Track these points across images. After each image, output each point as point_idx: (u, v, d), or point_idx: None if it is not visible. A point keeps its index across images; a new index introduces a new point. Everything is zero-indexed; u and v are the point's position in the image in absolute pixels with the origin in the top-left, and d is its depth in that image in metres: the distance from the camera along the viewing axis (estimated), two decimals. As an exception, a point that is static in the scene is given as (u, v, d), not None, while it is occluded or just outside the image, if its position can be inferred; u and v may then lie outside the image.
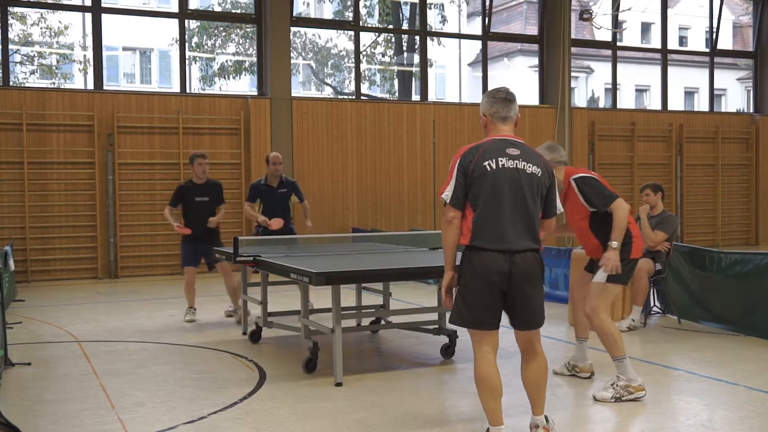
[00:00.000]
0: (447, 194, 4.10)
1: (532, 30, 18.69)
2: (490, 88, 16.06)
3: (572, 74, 17.49)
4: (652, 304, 8.46)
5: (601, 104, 30.62)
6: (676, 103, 27.97)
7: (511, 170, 4.07)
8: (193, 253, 8.65)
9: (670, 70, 18.18)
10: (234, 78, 21.09)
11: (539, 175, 4.13)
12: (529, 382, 4.24)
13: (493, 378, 4.05)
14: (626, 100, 29.79)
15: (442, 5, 22.59)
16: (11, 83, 13.86)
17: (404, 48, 19.73)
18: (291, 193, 9.15)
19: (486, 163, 4.08)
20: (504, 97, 4.34)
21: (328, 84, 24.77)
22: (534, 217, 4.09)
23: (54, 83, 20.67)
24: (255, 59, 14.44)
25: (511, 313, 4.13)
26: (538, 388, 4.23)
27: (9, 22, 13.59)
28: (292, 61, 15.28)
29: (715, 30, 18.38)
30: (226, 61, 21.30)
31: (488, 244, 4.01)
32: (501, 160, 4.10)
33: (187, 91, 14.27)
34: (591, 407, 5.08)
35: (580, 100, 30.84)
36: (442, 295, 4.29)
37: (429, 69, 15.89)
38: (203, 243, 8.56)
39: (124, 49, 25.36)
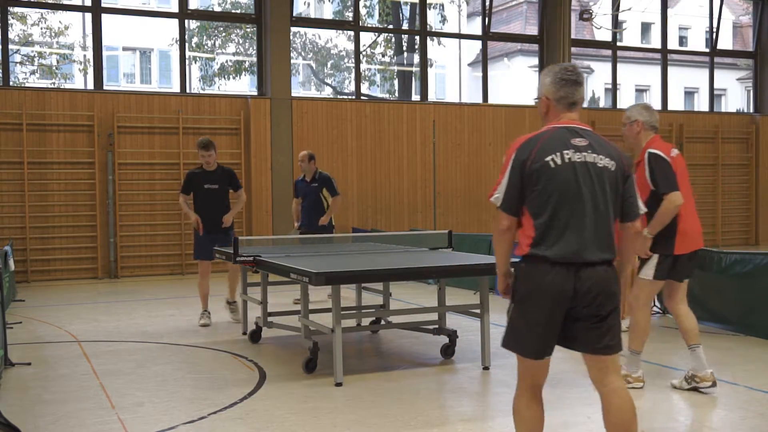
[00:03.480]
0: (497, 197, 3.43)
1: (532, 30, 18.69)
2: (490, 88, 16.19)
3: (572, 74, 17.46)
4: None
5: (601, 104, 30.62)
6: (676, 103, 27.98)
7: (579, 165, 3.35)
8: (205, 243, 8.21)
9: (670, 70, 18.18)
10: (234, 78, 21.11)
11: (612, 169, 3.41)
12: (611, 427, 3.43)
13: (534, 418, 3.48)
14: (626, 100, 29.75)
15: (442, 5, 22.60)
16: (11, 83, 13.86)
17: (404, 48, 19.74)
18: (322, 188, 9.43)
19: (549, 158, 3.35)
20: (575, 79, 3.50)
21: (328, 84, 24.77)
22: (609, 222, 3.39)
23: (54, 83, 20.68)
24: (255, 59, 14.44)
25: (579, 337, 3.40)
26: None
27: (9, 22, 13.59)
28: (292, 61, 15.28)
29: (715, 30, 18.38)
30: (226, 61, 21.31)
31: (551, 256, 3.32)
32: (567, 154, 3.36)
33: (187, 91, 14.27)
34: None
35: (580, 100, 30.80)
36: (501, 287, 3.65)
37: (429, 69, 15.89)
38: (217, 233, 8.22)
39: (124, 49, 25.36)
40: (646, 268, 5.33)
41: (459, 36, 26.59)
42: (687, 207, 5.22)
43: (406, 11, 19.28)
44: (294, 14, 15.49)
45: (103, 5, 13.16)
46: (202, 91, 20.41)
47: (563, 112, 3.52)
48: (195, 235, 8.46)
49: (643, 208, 3.57)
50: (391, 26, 19.79)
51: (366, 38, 19.48)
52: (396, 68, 20.74)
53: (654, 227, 5.14)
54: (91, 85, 13.73)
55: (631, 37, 29.14)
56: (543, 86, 3.56)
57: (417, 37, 16.61)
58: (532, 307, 3.37)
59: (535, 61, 17.35)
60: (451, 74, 29.71)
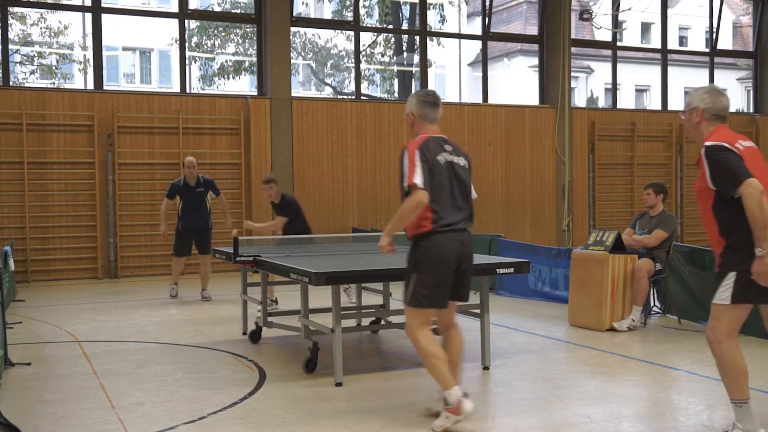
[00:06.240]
0: (419, 180, 4.49)
1: (532, 30, 18.69)
2: (490, 88, 16.20)
3: (572, 74, 17.49)
4: (652, 304, 8.46)
5: (601, 104, 30.62)
6: (676, 103, 27.87)
7: (453, 163, 4.70)
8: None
9: (670, 70, 18.18)
10: (234, 78, 21.11)
11: (467, 167, 4.83)
12: (453, 354, 4.81)
13: (441, 351, 4.62)
14: (626, 100, 29.80)
15: (442, 5, 22.60)
16: (11, 83, 13.86)
17: (404, 48, 19.74)
18: (208, 191, 10.23)
19: (438, 157, 4.63)
20: (433, 101, 4.86)
21: (328, 84, 24.78)
22: (471, 203, 4.83)
23: (54, 83, 20.68)
24: (255, 59, 14.44)
25: (456, 287, 4.75)
26: (460, 358, 4.90)
27: (9, 22, 13.58)
28: (292, 61, 15.28)
29: (715, 30, 18.38)
30: (226, 61, 21.32)
31: (448, 227, 4.59)
32: (444, 155, 4.67)
33: (187, 91, 14.27)
34: (595, 407, 5.08)
35: (580, 100, 30.84)
36: (385, 243, 4.81)
37: (429, 69, 15.89)
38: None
39: (124, 49, 25.37)
40: (722, 290, 4.24)
41: (459, 36, 26.58)
42: None
43: (405, 11, 19.28)
44: (294, 14, 15.50)
45: (103, 5, 13.15)
46: (202, 91, 20.41)
47: (427, 125, 4.79)
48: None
49: (474, 194, 4.88)
50: (390, 26, 19.79)
51: (366, 38, 19.48)
52: (396, 68, 20.74)
53: (762, 238, 3.98)
54: (91, 85, 13.72)
55: (631, 37, 29.13)
56: (410, 105, 4.85)
57: (417, 37, 16.61)
58: (440, 268, 4.59)
59: (535, 61, 17.35)
60: (451, 74, 29.72)
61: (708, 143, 4.22)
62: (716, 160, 4.13)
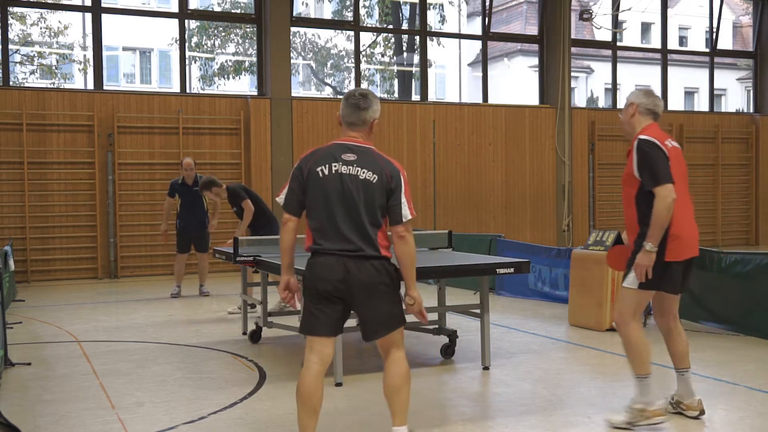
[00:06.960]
0: (280, 198, 4.13)
1: (532, 30, 18.70)
2: (490, 88, 16.20)
3: (572, 74, 17.49)
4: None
5: (601, 104, 30.62)
6: (676, 103, 27.98)
7: (344, 176, 3.95)
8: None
9: (670, 70, 18.18)
10: (234, 78, 21.12)
11: (374, 181, 3.95)
12: (386, 389, 4.13)
13: (309, 390, 4.04)
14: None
15: (442, 5, 22.61)
16: (11, 83, 13.86)
17: (404, 48, 19.75)
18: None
19: (319, 168, 3.99)
20: (354, 103, 4.05)
21: (328, 84, 24.79)
22: (367, 224, 3.95)
23: (54, 83, 20.69)
24: (255, 59, 14.44)
25: (361, 323, 4.14)
26: (396, 395, 4.08)
27: (9, 22, 13.58)
28: (292, 61, 15.28)
29: (715, 30, 18.38)
30: (226, 61, 21.32)
31: (324, 248, 3.95)
32: (335, 166, 3.97)
33: (187, 91, 14.27)
34: (592, 407, 5.08)
35: (580, 100, 30.84)
36: (280, 293, 4.16)
37: (429, 69, 15.89)
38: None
39: (124, 49, 25.37)
40: (631, 275, 4.56)
41: (459, 36, 26.59)
42: (682, 207, 4.52)
43: (405, 11, 19.29)
44: (294, 14, 15.50)
45: (103, 5, 13.16)
46: (202, 91, 20.41)
47: (347, 129, 4.07)
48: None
49: (407, 216, 3.97)
50: (390, 26, 19.80)
51: (366, 38, 19.48)
52: (396, 68, 20.75)
53: (653, 236, 4.41)
54: (91, 85, 13.72)
55: (631, 37, 29.14)
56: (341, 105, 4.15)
57: (417, 37, 16.61)
58: (312, 291, 3.98)
59: (535, 61, 17.36)
60: (451, 74, 29.72)
61: (642, 136, 4.60)
62: (647, 153, 4.52)
